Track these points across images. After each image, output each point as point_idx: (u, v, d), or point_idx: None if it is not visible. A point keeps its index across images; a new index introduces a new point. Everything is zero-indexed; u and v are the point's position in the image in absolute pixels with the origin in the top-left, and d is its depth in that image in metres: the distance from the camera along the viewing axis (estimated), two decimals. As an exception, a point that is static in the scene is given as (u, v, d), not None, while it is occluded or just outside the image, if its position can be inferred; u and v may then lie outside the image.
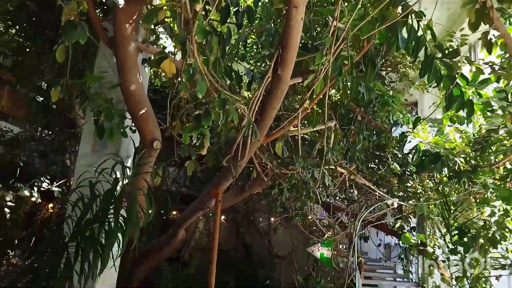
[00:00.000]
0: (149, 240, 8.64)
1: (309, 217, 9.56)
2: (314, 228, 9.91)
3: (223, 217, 10.11)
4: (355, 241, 9.25)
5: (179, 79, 2.80)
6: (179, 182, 10.93)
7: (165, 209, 9.91)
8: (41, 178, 7.11)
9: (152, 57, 3.97)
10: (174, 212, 10.14)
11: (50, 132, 7.82)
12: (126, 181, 3.53)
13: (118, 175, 3.52)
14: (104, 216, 3.08)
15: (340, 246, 9.96)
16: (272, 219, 9.94)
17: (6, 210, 6.36)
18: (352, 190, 7.10)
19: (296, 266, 9.34)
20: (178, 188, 10.75)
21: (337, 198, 9.68)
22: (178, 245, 8.45)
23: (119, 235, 3.14)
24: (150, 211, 3.32)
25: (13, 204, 6.48)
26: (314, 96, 3.99)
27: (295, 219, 9.64)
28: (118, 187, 3.28)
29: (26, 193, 6.72)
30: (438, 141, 5.06)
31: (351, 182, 6.81)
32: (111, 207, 3.11)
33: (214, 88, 2.75)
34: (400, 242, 10.78)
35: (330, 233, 9.55)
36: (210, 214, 10.02)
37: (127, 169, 3.61)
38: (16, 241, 6.52)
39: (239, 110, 2.87)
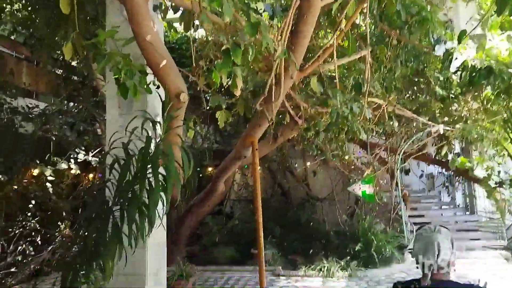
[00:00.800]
0: (190, 197, 8.77)
1: (346, 157, 9.31)
2: (353, 167, 9.69)
3: (258, 167, 10.05)
4: (397, 175, 9.00)
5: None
6: (210, 139, 10.86)
7: (200, 166, 9.97)
8: (76, 150, 7.16)
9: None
10: (210, 169, 10.14)
11: (75, 104, 7.76)
12: (159, 138, 3.36)
13: (150, 133, 3.35)
14: (143, 176, 2.94)
15: (382, 182, 9.75)
16: (308, 163, 9.77)
17: (48, 184, 6.49)
18: (391, 122, 6.71)
19: (338, 206, 9.28)
20: (210, 144, 10.70)
21: (374, 133, 9.32)
22: (219, 199, 8.54)
23: (162, 193, 3.02)
24: (189, 166, 3.16)
25: (54, 178, 6.59)
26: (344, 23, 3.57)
27: (332, 161, 9.43)
28: (152, 145, 3.11)
29: (64, 166, 6.80)
30: (489, 54, 4.52)
31: (390, 114, 6.42)
32: (148, 166, 2.96)
33: (239, 14, 2.39)
34: (444, 170, 10.45)
35: (370, 170, 9.32)
36: (245, 166, 10.03)
37: (158, 126, 3.42)
38: (64, 213, 6.72)
39: (272, 38, 2.53)
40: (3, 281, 6.21)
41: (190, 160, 3.24)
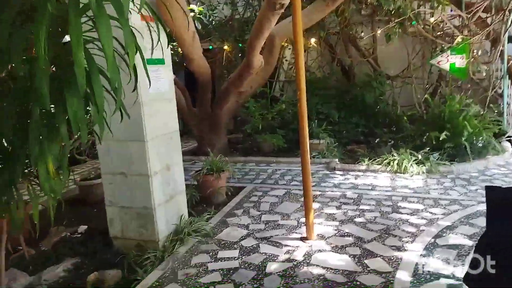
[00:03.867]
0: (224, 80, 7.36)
1: (432, 19, 6.98)
2: (440, 32, 7.35)
3: (313, 39, 8.10)
4: (504, 40, 6.59)
5: None
6: (253, 5, 8.88)
7: (242, 40, 8.29)
8: None
9: None
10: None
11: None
12: None
13: None
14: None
15: (476, 52, 7.40)
16: (378, 30, 7.56)
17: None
18: None
19: (414, 85, 7.32)
20: (252, 13, 8.76)
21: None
22: (263, 78, 7.01)
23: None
24: None
25: None
26: None
27: (412, 25, 7.15)
28: None
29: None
30: None
31: None
32: None
33: None
34: None
35: (465, 34, 6.96)
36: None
37: None
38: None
39: None
40: None
41: None
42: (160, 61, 3.40)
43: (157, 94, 3.31)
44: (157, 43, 2.52)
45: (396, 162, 5.17)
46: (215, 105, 6.56)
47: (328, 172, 5.47)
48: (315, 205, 4.09)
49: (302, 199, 4.31)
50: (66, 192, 5.11)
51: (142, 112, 3.10)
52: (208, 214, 3.96)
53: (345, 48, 8.49)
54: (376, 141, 5.95)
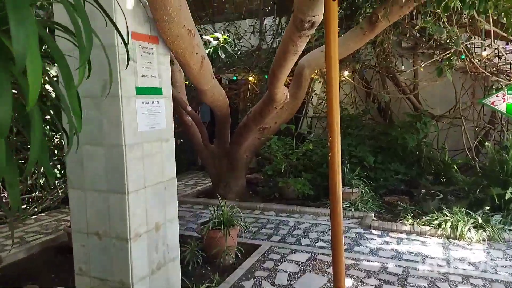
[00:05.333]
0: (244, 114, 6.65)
1: (484, 53, 6.11)
2: (494, 69, 6.42)
3: (346, 72, 7.34)
4: None
5: None
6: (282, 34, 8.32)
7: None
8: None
9: None
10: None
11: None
12: None
13: None
14: None
15: (538, 92, 6.38)
16: (422, 64, 6.73)
17: None
18: None
19: (464, 127, 6.34)
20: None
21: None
22: (289, 113, 6.25)
23: None
24: None
25: None
26: None
27: (460, 59, 6.29)
28: None
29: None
30: None
31: None
32: None
33: None
34: None
35: (525, 71, 6.02)
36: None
37: None
38: None
39: None
40: None
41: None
42: (156, 91, 2.72)
43: (149, 133, 2.61)
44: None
45: (449, 224, 4.17)
46: (233, 142, 5.84)
47: (362, 230, 4.51)
48: (347, 282, 3.17)
49: (330, 270, 3.42)
50: (54, 238, 4.44)
51: (124, 156, 2.40)
52: (208, 286, 3.13)
53: (382, 83, 7.67)
54: (420, 193, 4.98)
